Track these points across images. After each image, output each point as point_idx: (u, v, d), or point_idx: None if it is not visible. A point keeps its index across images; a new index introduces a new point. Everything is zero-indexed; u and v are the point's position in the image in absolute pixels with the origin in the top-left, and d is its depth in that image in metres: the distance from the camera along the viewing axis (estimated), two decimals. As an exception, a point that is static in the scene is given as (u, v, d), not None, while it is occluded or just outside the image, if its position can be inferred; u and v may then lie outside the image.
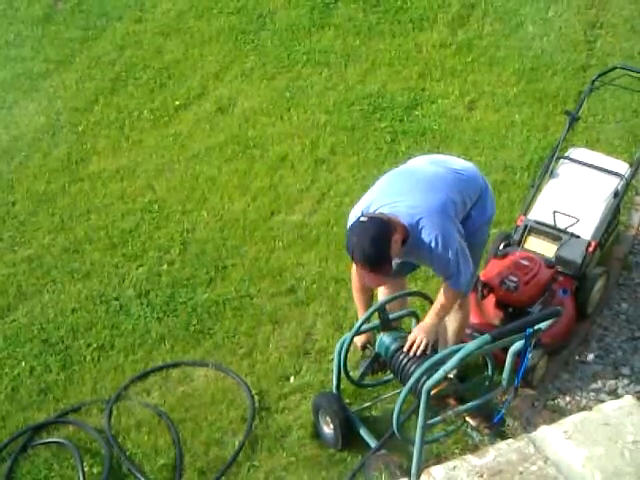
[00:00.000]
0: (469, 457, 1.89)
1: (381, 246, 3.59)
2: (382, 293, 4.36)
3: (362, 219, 3.67)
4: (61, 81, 7.17)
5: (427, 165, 4.11)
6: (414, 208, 3.74)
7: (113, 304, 5.09)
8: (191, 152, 6.35)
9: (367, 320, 4.04)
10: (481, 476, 1.83)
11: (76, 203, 5.90)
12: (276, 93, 6.93)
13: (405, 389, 3.68)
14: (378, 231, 3.60)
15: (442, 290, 3.95)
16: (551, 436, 1.91)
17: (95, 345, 4.83)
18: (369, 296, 4.21)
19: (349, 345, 4.04)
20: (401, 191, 3.85)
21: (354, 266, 4.07)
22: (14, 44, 7.66)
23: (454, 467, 1.86)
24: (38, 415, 4.44)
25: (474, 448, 4.03)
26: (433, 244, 3.73)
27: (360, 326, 4.02)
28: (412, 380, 3.66)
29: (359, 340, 4.26)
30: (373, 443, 4.02)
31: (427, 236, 3.72)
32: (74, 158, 6.32)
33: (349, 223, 3.90)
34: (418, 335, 3.92)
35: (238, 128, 6.58)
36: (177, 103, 6.86)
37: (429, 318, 3.98)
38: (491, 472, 1.83)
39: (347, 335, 4.06)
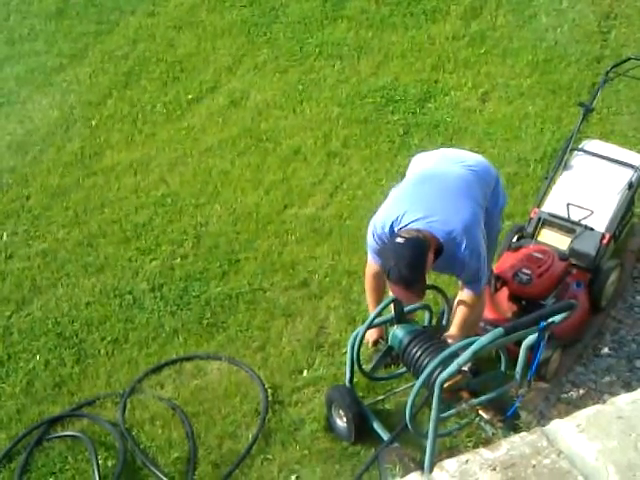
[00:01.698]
0: (482, 450, 1.88)
1: (418, 268, 3.63)
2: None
3: (399, 240, 3.63)
4: (75, 75, 7.20)
5: (447, 165, 4.07)
6: (449, 224, 3.73)
7: (127, 298, 5.10)
8: (204, 145, 6.36)
9: (380, 314, 4.05)
10: (494, 469, 1.82)
11: (90, 197, 5.92)
12: (289, 86, 6.93)
13: (418, 382, 3.68)
14: (416, 253, 3.61)
15: (463, 299, 3.99)
16: (564, 429, 1.90)
17: (109, 339, 4.85)
18: (382, 295, 4.22)
19: (362, 338, 4.04)
20: (433, 203, 3.81)
21: (368, 265, 4.08)
22: (28, 39, 7.69)
23: (467, 460, 1.85)
24: (53, 408, 4.46)
25: (487, 441, 4.02)
26: (467, 258, 3.76)
27: (373, 319, 4.01)
28: (425, 373, 3.65)
29: (371, 336, 4.25)
30: (386, 436, 4.02)
31: (462, 251, 3.74)
32: (88, 152, 6.35)
33: (373, 230, 3.88)
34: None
35: (251, 121, 6.58)
36: (190, 97, 6.88)
37: (456, 329, 4.01)
38: (504, 465, 1.83)
39: (360, 328, 4.06)
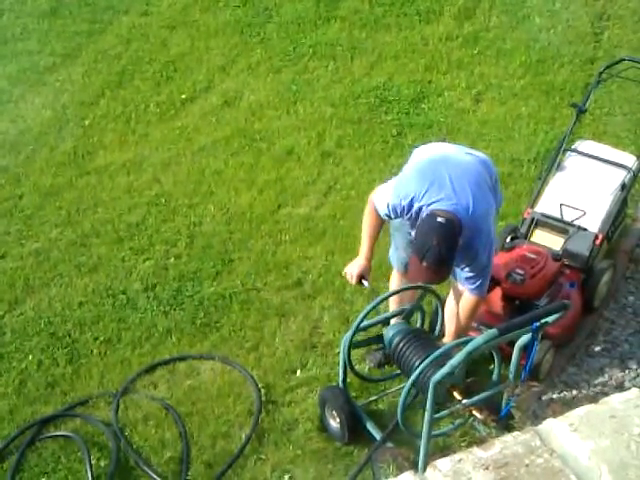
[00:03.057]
0: (475, 450, 1.88)
1: (454, 250, 3.60)
2: (394, 284, 4.36)
3: (440, 220, 3.58)
4: (68, 75, 7.18)
5: (459, 154, 3.98)
6: (470, 209, 3.68)
7: (120, 298, 5.09)
8: (197, 145, 6.35)
9: (370, 313, 4.05)
10: (487, 468, 1.82)
11: (83, 197, 5.91)
12: (282, 86, 6.92)
13: (409, 382, 3.68)
14: (454, 235, 3.59)
15: (465, 304, 3.99)
16: (557, 429, 1.90)
17: (102, 338, 4.84)
18: (378, 233, 4.11)
19: (351, 340, 4.03)
20: (454, 186, 3.70)
21: (372, 211, 4.02)
22: (20, 38, 7.67)
23: (460, 460, 1.85)
24: (45, 408, 4.45)
25: (481, 442, 4.02)
26: (481, 248, 3.76)
27: (362, 320, 4.01)
28: (416, 373, 3.66)
29: (355, 276, 4.14)
30: (379, 436, 4.02)
31: (478, 239, 3.73)
32: (81, 152, 6.33)
33: (389, 200, 3.82)
34: None
35: (244, 121, 6.57)
36: (183, 96, 6.86)
37: (453, 337, 4.02)
38: (497, 464, 1.83)
39: (351, 329, 4.05)
